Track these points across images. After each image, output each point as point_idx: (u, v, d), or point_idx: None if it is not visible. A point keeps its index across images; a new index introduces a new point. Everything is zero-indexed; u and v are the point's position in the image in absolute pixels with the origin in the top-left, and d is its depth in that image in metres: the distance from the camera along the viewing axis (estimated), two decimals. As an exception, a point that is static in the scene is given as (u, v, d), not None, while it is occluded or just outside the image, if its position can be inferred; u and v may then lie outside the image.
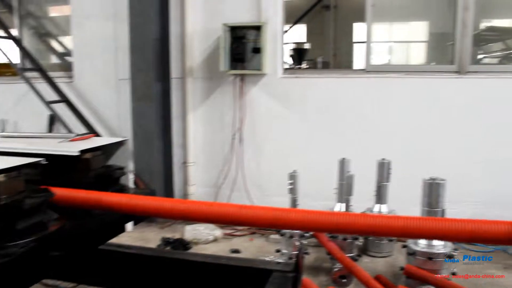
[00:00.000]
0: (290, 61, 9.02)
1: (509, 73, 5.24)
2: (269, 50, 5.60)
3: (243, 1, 5.68)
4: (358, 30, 10.88)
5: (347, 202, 4.65)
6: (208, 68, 5.92)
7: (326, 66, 9.23)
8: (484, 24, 7.74)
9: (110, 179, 2.38)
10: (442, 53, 7.87)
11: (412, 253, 3.86)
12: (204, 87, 5.97)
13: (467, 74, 5.24)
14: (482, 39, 7.66)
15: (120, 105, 6.18)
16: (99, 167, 2.31)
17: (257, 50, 5.57)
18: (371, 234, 1.92)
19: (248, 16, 5.64)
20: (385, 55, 10.74)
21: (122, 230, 2.46)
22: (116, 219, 2.31)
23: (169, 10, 5.86)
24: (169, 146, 6.08)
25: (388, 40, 10.69)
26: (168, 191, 6.08)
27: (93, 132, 5.95)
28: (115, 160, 2.48)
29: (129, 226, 5.15)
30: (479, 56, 7.54)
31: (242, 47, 5.60)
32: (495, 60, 7.92)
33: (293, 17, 10.97)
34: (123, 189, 2.44)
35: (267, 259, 4.52)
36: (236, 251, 5.04)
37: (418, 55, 11.12)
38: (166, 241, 5.18)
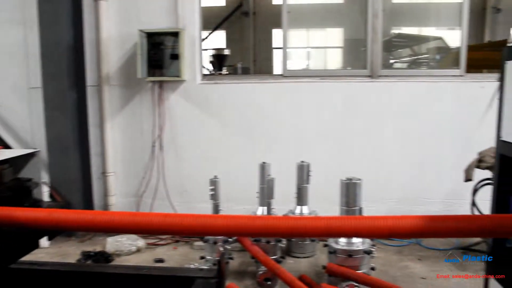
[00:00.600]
0: (210, 67, 9.04)
1: (417, 77, 5.57)
2: (187, 57, 5.57)
3: (160, 7, 5.59)
4: (277, 36, 11.13)
5: (269, 205, 4.70)
6: (125, 75, 5.77)
7: (246, 71, 9.36)
8: (393, 31, 8.22)
9: (23, 193, 2.26)
10: (357, 58, 8.23)
11: (333, 252, 3.97)
12: (121, 95, 5.82)
13: (379, 78, 5.50)
14: (392, 45, 8.13)
15: (32, 114, 5.85)
16: (8, 180, 2.19)
17: (175, 57, 5.51)
18: (294, 235, 1.95)
19: (166, 22, 5.57)
20: (303, 60, 11.08)
21: (35, 246, 2.33)
22: (27, 235, 2.18)
23: (82, 16, 5.65)
24: (87, 156, 5.86)
25: (306, 46, 11.04)
26: (88, 203, 5.85)
27: (1, 144, 5.60)
28: (27, 173, 2.36)
29: (45, 242, 4.91)
30: (391, 61, 7.99)
31: (160, 53, 5.51)
32: (405, 65, 8.44)
33: (212, 23, 11.01)
34: (38, 203, 2.32)
35: (191, 266, 4.48)
36: (160, 260, 4.94)
37: (335, 60, 11.58)
38: (86, 255, 4.97)
